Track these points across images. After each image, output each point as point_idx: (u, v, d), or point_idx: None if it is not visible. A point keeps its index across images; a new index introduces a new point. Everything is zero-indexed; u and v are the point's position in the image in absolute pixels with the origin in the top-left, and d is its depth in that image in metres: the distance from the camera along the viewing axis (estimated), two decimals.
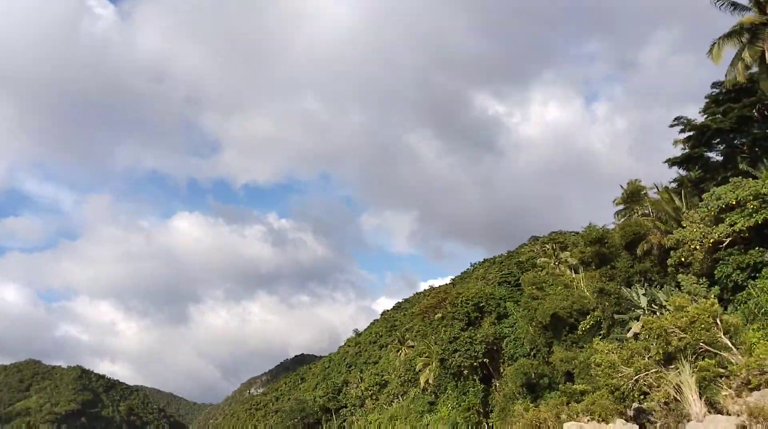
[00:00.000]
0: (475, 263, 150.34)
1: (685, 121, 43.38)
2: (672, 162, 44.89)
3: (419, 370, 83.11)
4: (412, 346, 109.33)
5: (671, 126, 44.07)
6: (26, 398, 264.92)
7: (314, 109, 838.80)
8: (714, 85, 42.88)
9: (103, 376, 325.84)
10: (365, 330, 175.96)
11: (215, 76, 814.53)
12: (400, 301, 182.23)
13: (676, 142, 43.71)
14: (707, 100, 43.32)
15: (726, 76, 34.62)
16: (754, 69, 34.29)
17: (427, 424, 75.02)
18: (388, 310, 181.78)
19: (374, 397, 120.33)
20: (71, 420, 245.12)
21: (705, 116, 42.63)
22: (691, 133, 42.98)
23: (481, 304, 67.53)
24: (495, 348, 63.84)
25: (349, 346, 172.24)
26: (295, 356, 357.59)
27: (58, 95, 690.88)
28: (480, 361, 62.60)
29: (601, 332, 40.14)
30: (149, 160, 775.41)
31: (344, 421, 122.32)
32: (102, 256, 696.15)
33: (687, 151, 43.68)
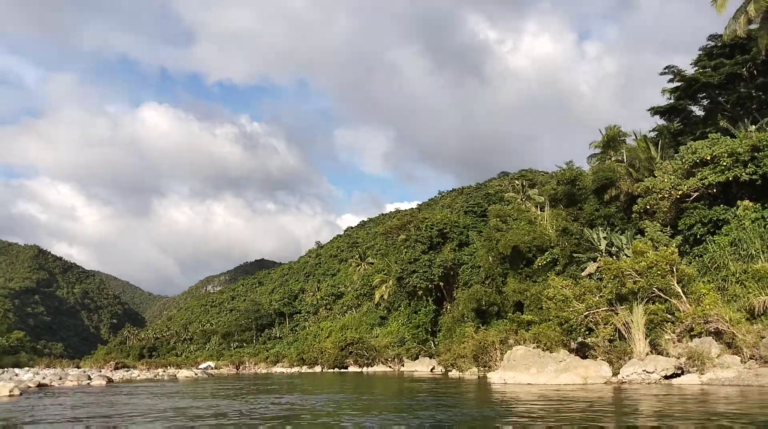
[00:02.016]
0: (444, 191, 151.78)
1: (675, 70, 42.77)
2: (655, 111, 44.65)
3: (375, 286, 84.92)
4: (372, 263, 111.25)
5: (661, 74, 43.46)
6: None
7: (299, 6, 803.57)
8: (711, 37, 42.03)
9: (60, 258, 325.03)
10: (327, 243, 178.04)
11: None
12: (365, 219, 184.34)
13: (664, 91, 43.25)
14: (701, 53, 42.61)
15: (726, 28, 33.78)
16: (755, 26, 33.55)
17: (376, 336, 77.53)
18: (352, 227, 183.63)
19: (328, 307, 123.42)
20: (25, 296, 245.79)
21: (696, 69, 42.08)
22: (679, 84, 42.51)
23: (445, 231, 68.33)
24: (451, 273, 65.32)
25: (310, 256, 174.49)
26: (256, 260, 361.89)
27: None
28: (435, 283, 64.11)
29: (557, 268, 41.10)
30: (119, 44, 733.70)
31: (297, 325, 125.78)
32: (65, 138, 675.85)
33: (672, 101, 43.39)
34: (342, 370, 63.46)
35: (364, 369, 62.85)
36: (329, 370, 65.66)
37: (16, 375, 45.99)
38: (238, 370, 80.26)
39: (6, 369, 62.81)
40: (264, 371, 75.42)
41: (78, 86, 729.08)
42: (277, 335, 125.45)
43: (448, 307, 63.92)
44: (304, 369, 72.42)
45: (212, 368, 77.30)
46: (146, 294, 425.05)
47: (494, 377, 23.27)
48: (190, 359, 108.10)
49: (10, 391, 23.60)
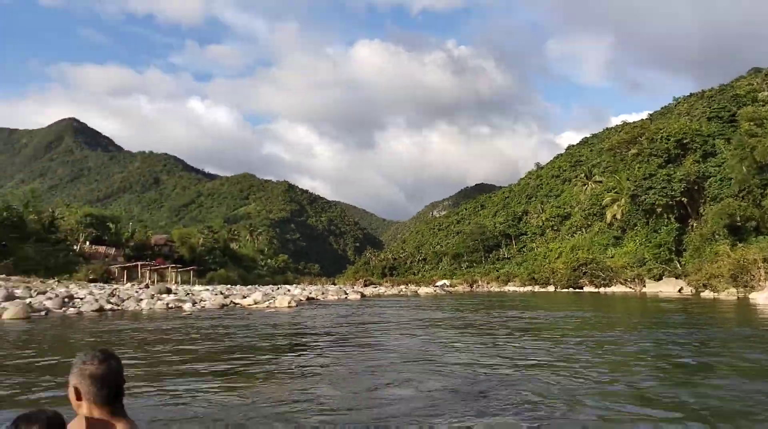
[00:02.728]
0: (679, 97, 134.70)
1: None
2: None
3: (606, 205, 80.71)
4: (599, 182, 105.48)
5: None
6: (246, 205, 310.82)
7: None
8: None
9: (306, 191, 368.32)
10: (547, 164, 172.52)
11: None
12: (587, 136, 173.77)
13: None
14: None
15: None
16: None
17: (611, 256, 74.34)
18: (573, 145, 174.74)
19: (555, 228, 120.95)
20: (283, 225, 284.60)
21: None
22: None
23: (685, 141, 61.45)
24: (696, 187, 59.00)
25: (530, 178, 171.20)
26: (475, 185, 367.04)
27: None
28: (677, 199, 58.63)
29: None
30: None
31: (524, 246, 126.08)
32: (295, 83, 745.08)
33: None
34: (577, 290, 62.73)
35: (601, 289, 61.28)
36: (563, 290, 65.38)
37: (289, 291, 54.50)
38: (471, 287, 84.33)
39: (280, 286, 74.57)
40: (497, 289, 78.07)
41: (300, 33, 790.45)
42: (505, 256, 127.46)
43: (694, 224, 58.26)
44: (537, 288, 73.13)
45: (448, 286, 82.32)
46: (380, 220, 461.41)
47: (759, 298, 21.22)
48: (426, 277, 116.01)
49: (289, 303, 28.35)
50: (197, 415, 4.34)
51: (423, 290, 62.22)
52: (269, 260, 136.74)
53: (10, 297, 22.33)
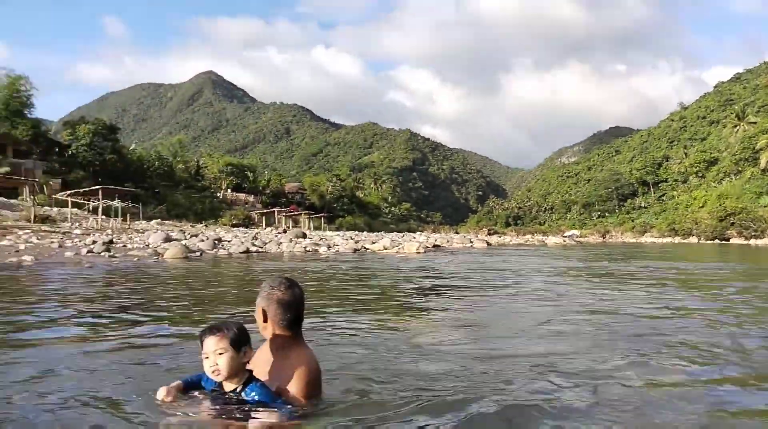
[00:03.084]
0: None
1: None
2: None
3: (760, 149, 72.79)
4: (753, 123, 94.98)
5: None
6: (370, 154, 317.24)
7: None
8: None
9: (428, 139, 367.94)
10: (692, 104, 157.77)
11: None
12: (740, 71, 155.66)
13: None
14: None
15: None
16: None
17: (765, 205, 67.25)
18: (723, 82, 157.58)
19: (700, 175, 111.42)
20: (406, 173, 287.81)
21: None
22: None
23: None
24: None
25: (672, 120, 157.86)
26: (609, 128, 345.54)
27: None
28: None
29: None
30: None
31: (663, 195, 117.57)
32: (417, 26, 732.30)
33: None
34: (722, 242, 57.69)
35: (751, 241, 55.83)
36: (706, 242, 60.43)
37: (414, 238, 55.35)
38: (603, 238, 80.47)
39: (404, 233, 76.03)
40: (632, 240, 73.79)
41: None
42: (642, 205, 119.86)
43: None
44: (677, 240, 68.28)
45: (577, 236, 79.25)
46: (504, 167, 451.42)
47: None
48: (553, 228, 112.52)
49: (417, 249, 28.70)
50: (362, 343, 4.48)
51: (551, 240, 60.26)
52: (393, 208, 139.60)
53: (168, 239, 24.67)
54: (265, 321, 2.72)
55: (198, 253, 21.00)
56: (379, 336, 4.91)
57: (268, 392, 2.52)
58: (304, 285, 9.21)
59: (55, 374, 3.48)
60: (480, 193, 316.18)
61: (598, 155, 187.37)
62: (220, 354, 2.47)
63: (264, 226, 58.63)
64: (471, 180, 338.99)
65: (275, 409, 2.47)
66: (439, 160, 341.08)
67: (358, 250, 28.27)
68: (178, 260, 17.63)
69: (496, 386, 3.19)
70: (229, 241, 26.85)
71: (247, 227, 55.02)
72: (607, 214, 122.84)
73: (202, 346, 2.53)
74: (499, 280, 12.34)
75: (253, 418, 2.42)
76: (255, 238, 32.03)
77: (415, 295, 8.87)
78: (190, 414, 2.51)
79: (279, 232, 43.49)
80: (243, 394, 2.51)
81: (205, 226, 48.78)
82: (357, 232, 59.67)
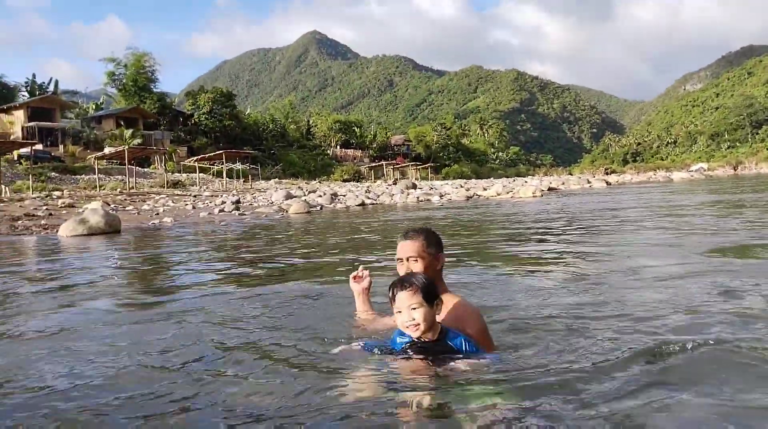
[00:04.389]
0: None
1: None
2: None
3: None
4: None
5: None
6: (474, 99, 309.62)
7: None
8: None
9: (536, 77, 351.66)
10: None
11: None
12: None
13: None
14: None
15: None
16: None
17: None
18: None
19: None
20: (513, 116, 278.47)
21: None
22: None
23: None
24: None
25: None
26: (741, 48, 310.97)
27: None
28: None
29: None
30: None
31: None
32: None
33: None
34: None
35: None
36: None
37: (526, 182, 54.02)
38: (735, 170, 73.88)
39: (514, 178, 74.41)
40: None
41: None
42: None
43: None
44: None
45: (705, 170, 73.41)
46: (621, 101, 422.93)
47: None
48: (677, 162, 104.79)
49: (533, 193, 28.13)
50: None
51: (677, 175, 56.29)
52: (500, 153, 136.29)
53: (289, 196, 26.11)
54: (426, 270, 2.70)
55: (318, 208, 22.11)
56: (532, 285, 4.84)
57: (471, 341, 2.49)
58: (443, 233, 9.56)
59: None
60: (594, 130, 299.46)
61: (728, 80, 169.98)
62: (414, 309, 2.39)
63: (373, 180, 59.92)
64: (584, 117, 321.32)
65: (485, 358, 2.44)
66: (549, 99, 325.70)
67: (471, 197, 28.26)
68: (302, 215, 18.72)
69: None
70: (344, 196, 27.89)
71: (357, 181, 56.53)
72: (738, 144, 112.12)
73: (393, 300, 2.46)
74: (637, 217, 11.94)
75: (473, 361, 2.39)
76: (368, 191, 33.00)
77: (546, 238, 8.85)
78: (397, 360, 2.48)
79: (389, 185, 44.34)
80: (447, 341, 2.46)
81: (319, 182, 50.78)
82: (465, 181, 59.27)
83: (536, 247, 7.74)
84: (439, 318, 2.51)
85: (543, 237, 8.95)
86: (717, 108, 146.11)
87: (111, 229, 12.92)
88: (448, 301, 2.63)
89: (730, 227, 8.84)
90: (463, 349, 2.45)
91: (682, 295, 3.94)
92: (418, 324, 2.39)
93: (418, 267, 2.68)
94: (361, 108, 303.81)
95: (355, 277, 3.25)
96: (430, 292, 2.45)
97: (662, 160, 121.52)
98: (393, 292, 2.46)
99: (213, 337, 3.18)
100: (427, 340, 2.45)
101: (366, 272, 3.24)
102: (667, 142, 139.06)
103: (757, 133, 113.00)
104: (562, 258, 6.44)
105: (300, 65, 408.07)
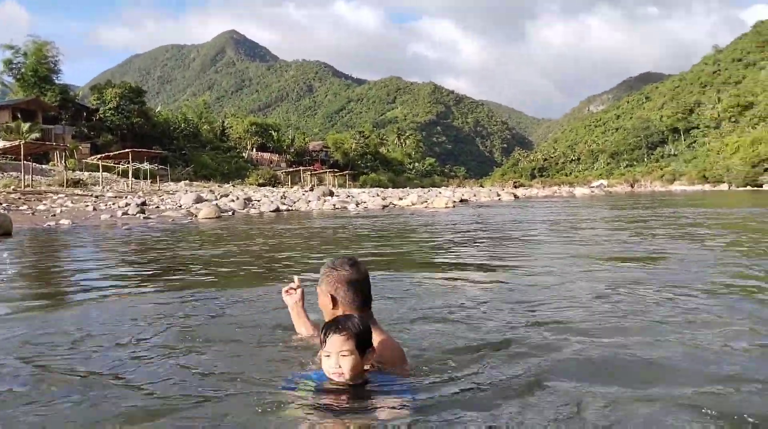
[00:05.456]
0: None
1: None
2: None
3: None
4: None
5: None
6: (393, 109, 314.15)
7: None
8: None
9: (452, 92, 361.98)
10: (728, 46, 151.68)
11: None
12: None
13: None
14: None
15: None
16: None
17: None
18: (762, 21, 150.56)
19: (733, 120, 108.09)
20: (429, 128, 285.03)
21: None
22: None
23: None
24: None
25: (706, 64, 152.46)
26: (640, 74, 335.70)
27: None
28: None
29: None
30: None
31: (694, 142, 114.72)
32: None
33: None
34: (756, 189, 56.43)
35: None
36: (738, 189, 59.14)
37: (440, 193, 55.28)
38: (632, 187, 79.26)
39: (429, 188, 75.88)
40: (661, 189, 72.61)
41: None
42: (672, 153, 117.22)
43: None
44: (707, 187, 66.95)
45: (605, 186, 78.17)
46: (530, 118, 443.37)
47: None
48: (580, 178, 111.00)
49: (446, 204, 28.74)
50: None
51: (579, 191, 59.60)
52: (416, 164, 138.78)
53: (199, 199, 25.15)
54: (335, 306, 2.54)
55: (230, 213, 21.41)
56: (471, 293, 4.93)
57: (390, 376, 2.39)
58: (354, 244, 9.37)
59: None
60: (505, 145, 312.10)
61: (628, 103, 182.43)
62: (344, 356, 2.25)
63: (290, 185, 59.12)
64: (496, 132, 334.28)
65: (400, 386, 2.33)
66: (464, 113, 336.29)
67: (387, 206, 28.44)
68: (212, 220, 18.03)
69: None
70: (258, 201, 27.24)
71: (273, 186, 55.52)
72: (635, 163, 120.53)
73: (324, 342, 2.30)
74: (549, 231, 12.40)
75: (388, 397, 2.26)
76: (284, 196, 32.42)
77: (461, 248, 8.98)
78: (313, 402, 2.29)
79: (306, 191, 43.87)
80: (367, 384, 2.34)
81: (233, 186, 49.41)
82: (382, 189, 59.77)
83: (450, 257, 7.82)
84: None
85: (457, 247, 9.08)
86: (617, 129, 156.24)
87: (1, 230, 11.83)
88: (374, 339, 2.43)
89: (627, 239, 9.35)
90: (377, 380, 2.33)
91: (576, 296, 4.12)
92: (343, 373, 2.25)
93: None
94: (279, 112, 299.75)
95: (287, 291, 3.07)
96: (365, 339, 2.32)
97: (567, 175, 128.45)
98: (326, 334, 2.30)
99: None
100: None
101: (298, 282, 3.07)
102: (572, 159, 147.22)
103: (652, 154, 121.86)
104: (471, 267, 6.55)
105: (216, 64, 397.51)
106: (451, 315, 3.88)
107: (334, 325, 2.32)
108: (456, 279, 5.67)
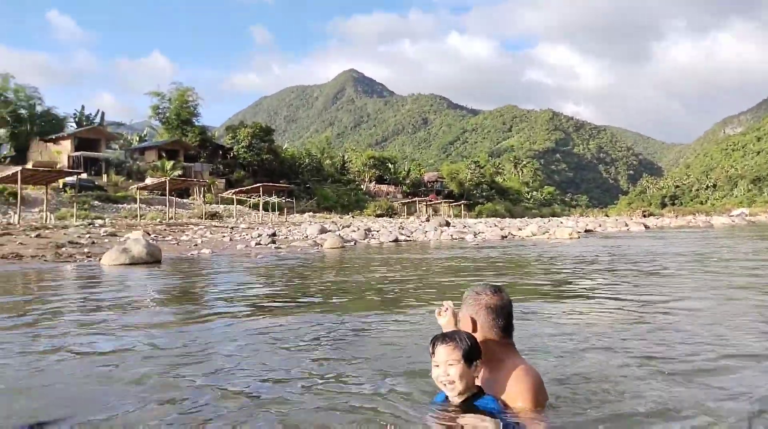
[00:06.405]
0: None
1: None
2: None
3: None
4: None
5: None
6: (509, 138, 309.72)
7: None
8: None
9: (571, 118, 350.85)
10: None
11: None
12: None
13: None
14: None
15: None
16: None
17: None
18: None
19: None
20: (548, 156, 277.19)
21: None
22: None
23: None
24: None
25: None
26: None
27: None
28: None
29: None
30: None
31: None
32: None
33: None
34: None
35: None
36: None
37: (561, 223, 53.27)
38: None
39: (549, 218, 73.40)
40: None
41: None
42: None
43: None
44: None
45: (746, 215, 71.33)
46: (658, 143, 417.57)
47: None
48: (717, 206, 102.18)
49: (570, 234, 27.67)
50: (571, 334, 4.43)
51: (717, 220, 54.76)
52: (534, 192, 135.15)
53: (323, 230, 26.27)
54: (474, 330, 2.59)
55: (352, 243, 22.13)
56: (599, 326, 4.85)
57: (501, 406, 2.40)
58: (484, 273, 9.36)
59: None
60: (631, 172, 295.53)
61: None
62: (451, 365, 2.37)
63: (406, 216, 59.93)
64: (621, 158, 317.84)
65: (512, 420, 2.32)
66: (585, 140, 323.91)
67: (506, 236, 27.95)
68: (336, 250, 18.75)
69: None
70: (378, 231, 27.89)
71: (390, 217, 56.57)
72: None
73: (432, 354, 2.45)
74: (690, 264, 11.60)
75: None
76: (401, 227, 32.97)
77: (596, 279, 8.67)
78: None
79: (423, 221, 44.25)
80: (476, 403, 2.40)
81: (352, 217, 51.05)
82: (499, 219, 58.75)
83: (585, 291, 7.54)
84: (479, 381, 2.47)
85: (592, 281, 8.73)
86: (758, 152, 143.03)
87: (152, 259, 13.14)
88: (508, 361, 2.51)
89: None
90: (490, 408, 2.35)
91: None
92: (453, 381, 2.37)
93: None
94: (395, 145, 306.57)
95: (439, 312, 3.17)
96: (472, 352, 2.41)
97: (702, 203, 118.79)
98: (433, 346, 2.46)
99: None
100: (458, 401, 2.40)
101: (450, 303, 3.20)
102: (707, 186, 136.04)
103: None
104: (611, 301, 6.26)
105: (337, 102, 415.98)
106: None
107: (441, 337, 2.47)
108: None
